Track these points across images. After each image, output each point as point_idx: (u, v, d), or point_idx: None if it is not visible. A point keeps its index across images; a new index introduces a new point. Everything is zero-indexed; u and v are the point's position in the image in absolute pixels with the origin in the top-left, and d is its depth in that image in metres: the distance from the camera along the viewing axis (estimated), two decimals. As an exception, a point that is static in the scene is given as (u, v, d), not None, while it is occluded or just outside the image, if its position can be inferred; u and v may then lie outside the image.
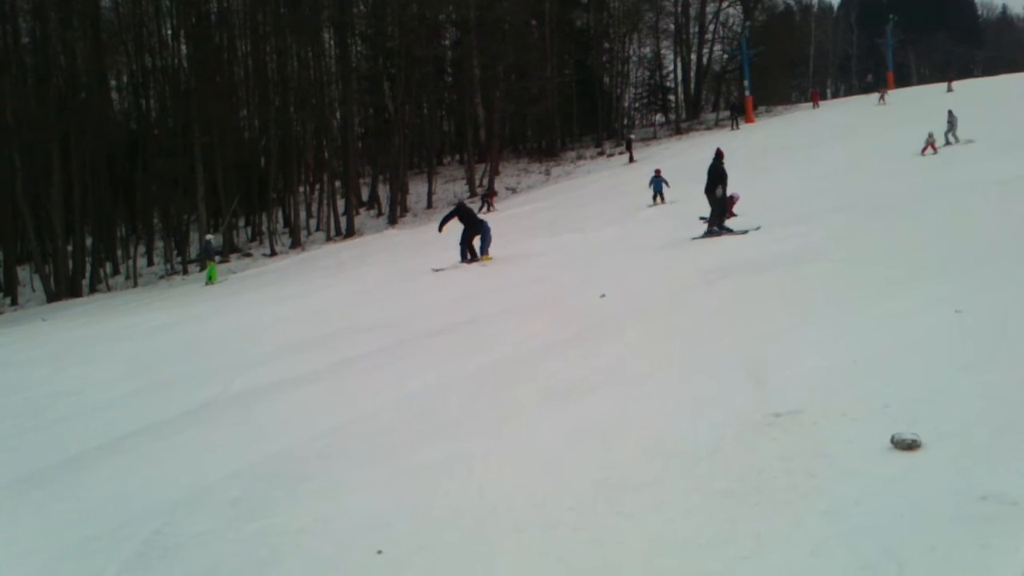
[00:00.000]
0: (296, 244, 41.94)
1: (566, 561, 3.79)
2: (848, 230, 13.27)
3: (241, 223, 48.40)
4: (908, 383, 5.24)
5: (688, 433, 5.07)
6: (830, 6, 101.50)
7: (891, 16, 68.88)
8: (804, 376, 5.74)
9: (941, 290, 7.67)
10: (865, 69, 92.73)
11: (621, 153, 49.72)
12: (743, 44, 56.05)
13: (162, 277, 39.97)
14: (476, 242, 18.59)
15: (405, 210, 45.56)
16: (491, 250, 18.59)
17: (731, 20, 66.90)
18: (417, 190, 48.86)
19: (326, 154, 49.24)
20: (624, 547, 3.81)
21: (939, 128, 26.88)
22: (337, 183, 47.20)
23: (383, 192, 47.99)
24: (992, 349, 5.72)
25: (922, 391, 5.05)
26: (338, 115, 48.67)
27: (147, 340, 15.58)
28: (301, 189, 47.58)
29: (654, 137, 56.04)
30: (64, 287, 37.12)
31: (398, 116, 45.76)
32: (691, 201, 19.82)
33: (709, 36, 66.53)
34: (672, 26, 63.86)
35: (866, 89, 72.53)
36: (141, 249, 45.48)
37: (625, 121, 64.64)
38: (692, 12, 64.58)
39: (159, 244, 45.90)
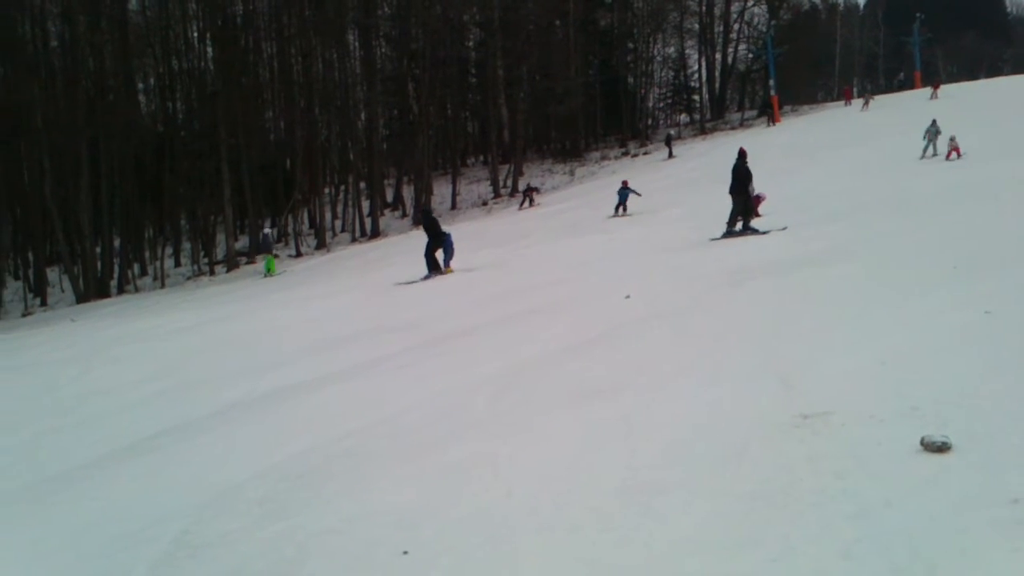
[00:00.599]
0: (321, 245, 42.14)
1: (592, 563, 3.78)
2: (875, 230, 13.17)
3: (267, 225, 48.69)
4: (937, 385, 5.18)
5: (714, 434, 5.05)
6: (856, 4, 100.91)
7: (918, 14, 68.04)
8: (832, 377, 5.70)
9: (970, 291, 7.60)
10: (892, 68, 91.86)
11: (646, 153, 49.77)
12: (768, 43, 55.81)
13: (189, 278, 40.30)
14: (440, 254, 18.67)
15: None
16: (453, 262, 18.62)
17: (756, 19, 66.58)
18: (441, 191, 49.03)
19: (351, 155, 49.47)
20: (650, 549, 3.80)
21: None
22: (362, 184, 47.41)
23: (408, 193, 48.19)
24: (1023, 350, 5.65)
25: (952, 393, 5.00)
26: (363, 116, 48.92)
27: (174, 340, 15.70)
28: (326, 190, 47.80)
29: (679, 137, 55.84)
30: (93, 288, 37.51)
31: (422, 117, 45.92)
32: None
33: (734, 35, 66.27)
34: (697, 25, 63.62)
35: (898, 87, 71.82)
36: (168, 250, 45.92)
37: (649, 121, 64.47)
38: (717, 11, 64.33)
39: (186, 245, 46.32)
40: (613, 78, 58.43)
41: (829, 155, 30.04)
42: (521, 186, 44.82)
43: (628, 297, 10.68)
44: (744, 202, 16.15)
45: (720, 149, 39.29)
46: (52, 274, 43.00)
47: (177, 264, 45.15)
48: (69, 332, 21.65)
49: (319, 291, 20.48)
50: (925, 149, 25.92)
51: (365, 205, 45.87)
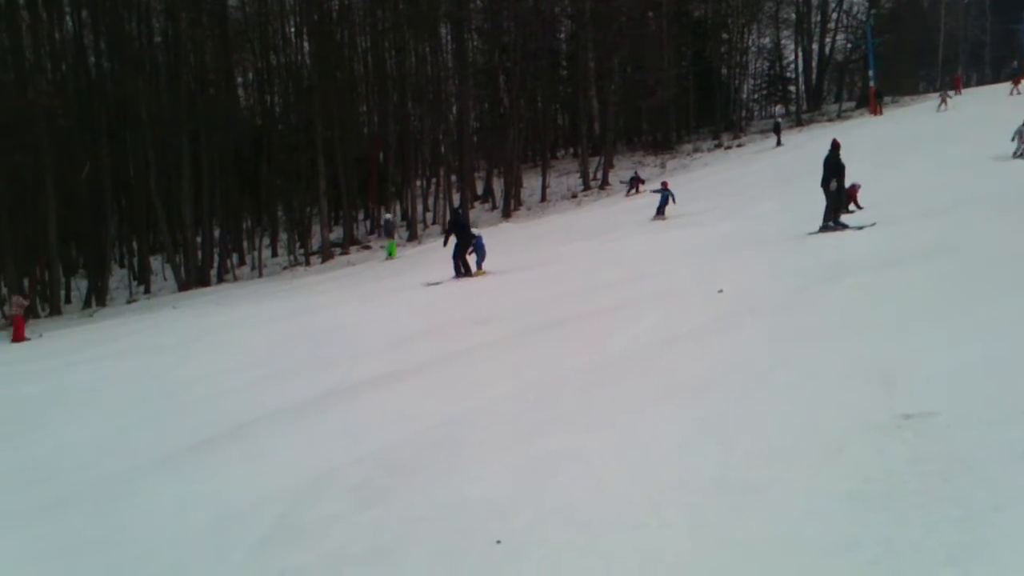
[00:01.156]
0: (413, 237, 42.62)
1: (685, 561, 3.74)
2: (975, 227, 12.64)
3: (360, 216, 49.58)
4: (1050, 387, 4.96)
5: (811, 433, 4.93)
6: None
7: (1030, -2, 65.04)
8: (934, 377, 5.51)
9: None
10: (1000, 57, 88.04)
11: (739, 146, 48.92)
12: (868, 32, 54.12)
13: (285, 268, 41.31)
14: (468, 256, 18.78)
15: (519, 203, 45.77)
16: (485, 264, 18.74)
17: (855, 8, 64.43)
18: (531, 183, 49.09)
19: (442, 148, 49.90)
20: (745, 548, 3.74)
21: None
22: (453, 177, 47.80)
23: (497, 186, 48.36)
24: None
25: (1065, 395, 4.78)
26: (454, 109, 49.27)
27: (271, 328, 16.10)
28: (418, 183, 48.35)
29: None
30: (193, 277, 38.78)
31: (513, 110, 46.05)
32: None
33: (832, 25, 64.31)
34: (793, 15, 62.00)
35: (1009, 76, 68.77)
36: (265, 240, 47.17)
37: (743, 113, 63.24)
38: (814, 1, 62.67)
39: (283, 236, 47.51)
40: (706, 69, 57.43)
41: (929, 148, 28.98)
42: (621, 177, 44.72)
43: (721, 291, 10.50)
44: (836, 195, 15.71)
45: (817, 141, 38.34)
46: (155, 263, 44.74)
47: (274, 254, 46.30)
48: (171, 319, 22.44)
49: (406, 282, 20.65)
50: (1017, 149, 24.49)
51: (456, 198, 46.20)
